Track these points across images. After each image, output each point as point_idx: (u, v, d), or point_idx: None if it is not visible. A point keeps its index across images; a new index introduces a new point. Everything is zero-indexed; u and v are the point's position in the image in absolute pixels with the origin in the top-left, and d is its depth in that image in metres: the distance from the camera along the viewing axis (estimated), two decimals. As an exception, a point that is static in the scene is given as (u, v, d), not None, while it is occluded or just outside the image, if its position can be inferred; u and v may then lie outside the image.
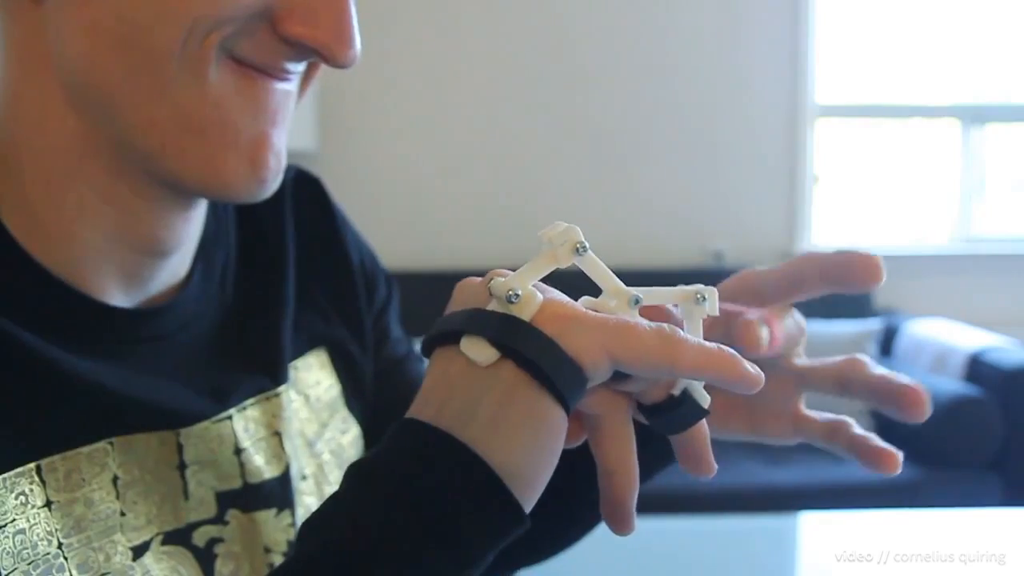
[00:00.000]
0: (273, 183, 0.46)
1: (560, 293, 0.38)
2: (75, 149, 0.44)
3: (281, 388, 0.57)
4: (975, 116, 3.34)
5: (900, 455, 0.46)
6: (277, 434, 0.56)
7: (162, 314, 0.51)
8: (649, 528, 0.45)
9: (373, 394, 0.66)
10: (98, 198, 0.46)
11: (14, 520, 0.41)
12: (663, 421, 0.38)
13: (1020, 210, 3.44)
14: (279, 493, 0.54)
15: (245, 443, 0.53)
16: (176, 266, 0.52)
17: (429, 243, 3.06)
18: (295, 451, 0.57)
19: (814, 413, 0.50)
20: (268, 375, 0.56)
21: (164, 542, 0.47)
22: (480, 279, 0.39)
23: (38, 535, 0.41)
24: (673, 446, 0.40)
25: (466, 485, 0.34)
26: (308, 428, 0.59)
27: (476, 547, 0.34)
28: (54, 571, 0.42)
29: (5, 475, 0.41)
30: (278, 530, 0.53)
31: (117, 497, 0.45)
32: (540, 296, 0.36)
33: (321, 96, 2.95)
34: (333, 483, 0.61)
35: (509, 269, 0.38)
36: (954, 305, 3.15)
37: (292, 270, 0.61)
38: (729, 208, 3.18)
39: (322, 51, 0.42)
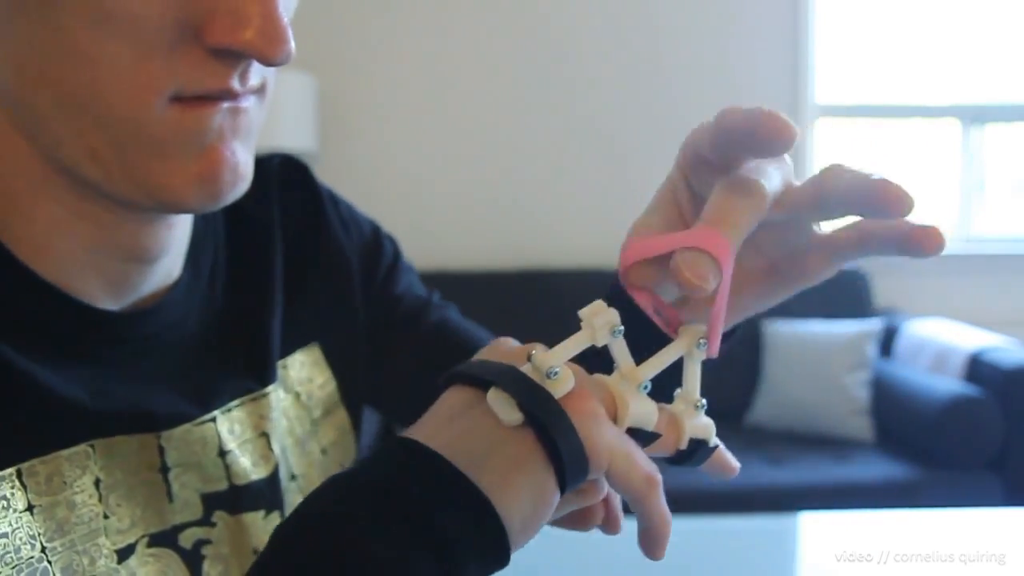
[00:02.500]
0: (230, 194, 0.44)
1: (583, 373, 0.39)
2: (35, 170, 0.44)
3: (269, 388, 0.56)
4: (975, 116, 3.34)
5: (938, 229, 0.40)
6: (264, 435, 0.55)
7: (147, 316, 0.50)
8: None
9: (396, 354, 0.66)
10: (69, 214, 0.45)
11: None
12: (678, 466, 0.42)
13: (1020, 210, 3.44)
14: (267, 495, 0.54)
15: (230, 444, 0.52)
16: (167, 269, 0.51)
17: (429, 243, 3.06)
18: (284, 451, 0.57)
19: (830, 231, 0.44)
20: (255, 376, 0.56)
21: (150, 544, 0.47)
22: (518, 345, 0.41)
23: (21, 539, 0.41)
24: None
25: (476, 527, 0.35)
26: (298, 427, 0.59)
27: None
28: (38, 575, 0.41)
29: None
30: (266, 532, 0.53)
31: (100, 500, 0.45)
32: (573, 379, 0.38)
33: (321, 96, 2.95)
34: None
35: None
36: (954, 305, 3.15)
37: (281, 265, 0.60)
38: (729, 208, 3.18)
39: (252, 53, 0.40)
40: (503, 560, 0.36)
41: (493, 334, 0.71)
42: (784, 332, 2.79)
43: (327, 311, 0.63)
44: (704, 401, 0.41)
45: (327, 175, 2.99)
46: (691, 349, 0.41)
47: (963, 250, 3.30)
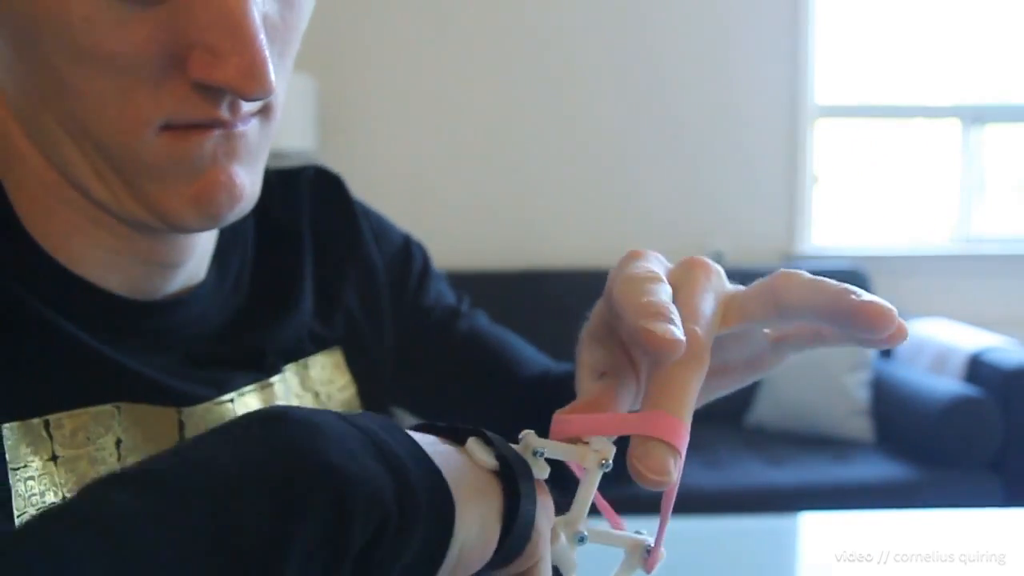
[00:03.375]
0: (228, 215, 0.45)
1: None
2: (50, 181, 0.46)
3: (274, 379, 0.57)
4: (975, 116, 3.34)
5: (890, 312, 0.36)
6: None
7: (168, 309, 0.52)
8: (649, 528, 0.45)
9: (428, 362, 0.67)
10: (87, 221, 0.47)
11: (25, 466, 0.43)
12: None
13: (1020, 210, 3.44)
14: None
15: None
16: (191, 272, 0.53)
17: (429, 243, 3.04)
18: None
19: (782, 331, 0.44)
20: (262, 368, 0.57)
21: None
22: None
23: (45, 485, 0.43)
24: None
25: (434, 514, 0.34)
26: None
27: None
28: None
29: (15, 423, 0.43)
30: None
31: (119, 459, 0.47)
32: (548, 472, 0.38)
33: (321, 96, 2.95)
34: None
35: None
36: (954, 305, 3.15)
37: (310, 271, 0.62)
38: (729, 208, 3.18)
39: (230, 89, 0.40)
40: (432, 567, 0.34)
41: (520, 336, 0.72)
42: (784, 332, 2.79)
43: (353, 319, 0.64)
44: None
45: (327, 175, 2.98)
46: (633, 552, 0.40)
47: (963, 250, 3.30)
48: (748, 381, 0.46)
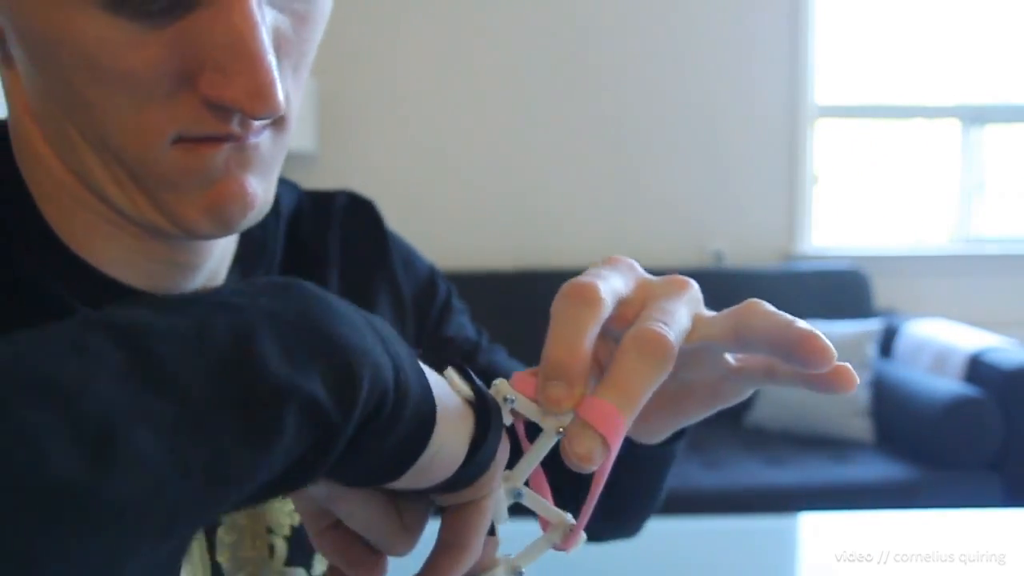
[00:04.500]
0: (241, 222, 0.46)
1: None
2: (69, 183, 0.47)
3: None
4: (975, 116, 3.34)
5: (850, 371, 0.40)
6: None
7: None
8: (649, 528, 0.45)
9: None
10: (106, 223, 0.48)
11: None
12: None
13: (1020, 210, 3.44)
14: None
15: None
16: (211, 273, 0.54)
17: (428, 243, 3.05)
18: None
19: (740, 358, 0.45)
20: None
21: None
22: None
23: None
24: None
25: (418, 418, 0.34)
26: None
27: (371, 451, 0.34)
28: None
29: None
30: (282, 513, 0.56)
31: None
32: (511, 421, 0.39)
33: (321, 97, 2.95)
34: None
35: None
36: (954, 305, 3.15)
37: (336, 290, 0.62)
38: (729, 208, 3.18)
39: (238, 108, 0.41)
40: (407, 462, 0.35)
41: (518, 336, 0.72)
42: (784, 332, 2.79)
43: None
44: (524, 573, 0.41)
45: (327, 175, 2.99)
46: (552, 533, 0.41)
47: (963, 250, 3.31)
48: (710, 411, 0.47)
